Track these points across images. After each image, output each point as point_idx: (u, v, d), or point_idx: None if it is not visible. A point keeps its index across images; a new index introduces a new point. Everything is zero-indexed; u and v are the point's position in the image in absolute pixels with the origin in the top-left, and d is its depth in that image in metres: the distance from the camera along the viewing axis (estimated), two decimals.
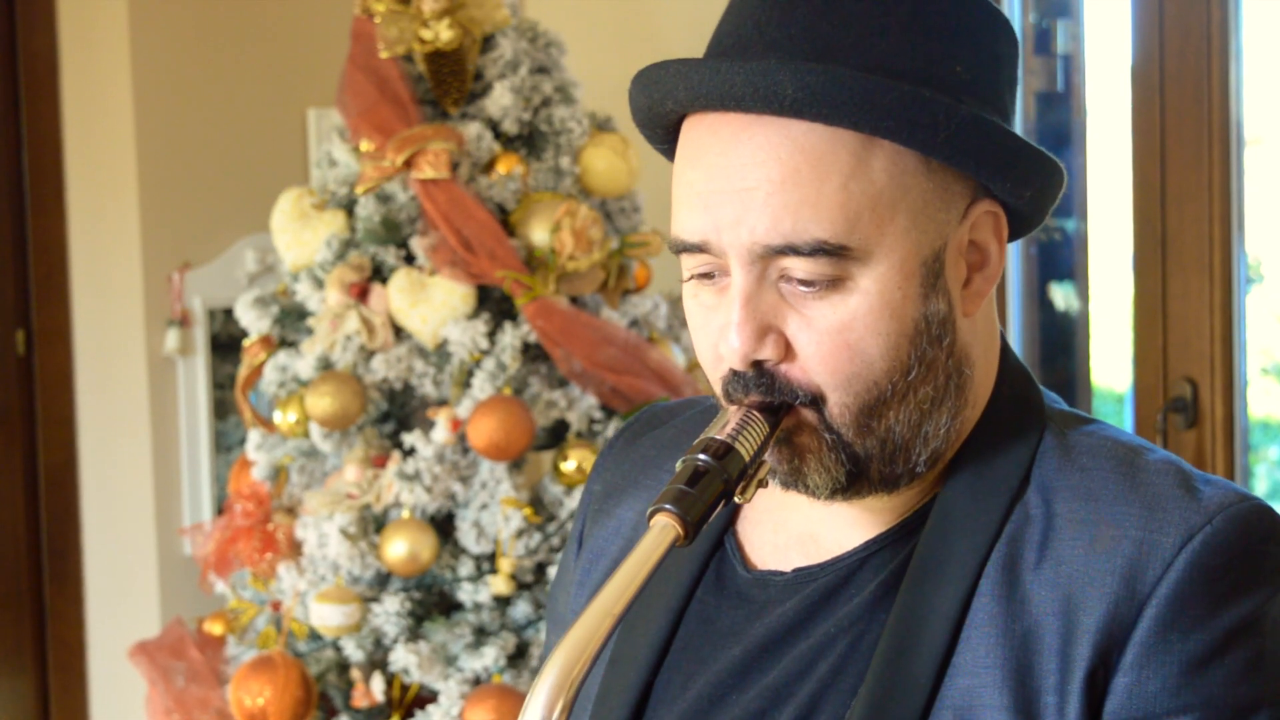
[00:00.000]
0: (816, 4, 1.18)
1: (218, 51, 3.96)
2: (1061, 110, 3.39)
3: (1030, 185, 1.20)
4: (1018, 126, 1.28)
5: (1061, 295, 3.47)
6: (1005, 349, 1.30)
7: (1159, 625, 1.13)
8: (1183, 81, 3.00)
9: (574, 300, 2.98)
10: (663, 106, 1.22)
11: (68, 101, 3.96)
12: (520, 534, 2.86)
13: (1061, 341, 3.48)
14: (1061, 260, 3.47)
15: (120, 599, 3.97)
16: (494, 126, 3.00)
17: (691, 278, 1.22)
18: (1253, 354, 3.09)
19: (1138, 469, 1.20)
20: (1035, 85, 3.32)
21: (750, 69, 1.15)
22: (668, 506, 1.14)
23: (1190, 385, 3.02)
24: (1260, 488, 3.44)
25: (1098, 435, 1.24)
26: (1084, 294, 3.43)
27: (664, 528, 1.14)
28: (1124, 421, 3.41)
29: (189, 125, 3.91)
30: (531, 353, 2.95)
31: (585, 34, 3.45)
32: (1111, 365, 3.45)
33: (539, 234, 2.92)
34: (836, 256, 1.15)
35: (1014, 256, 3.35)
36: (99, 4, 3.87)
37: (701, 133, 1.20)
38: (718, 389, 1.23)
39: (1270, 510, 1.19)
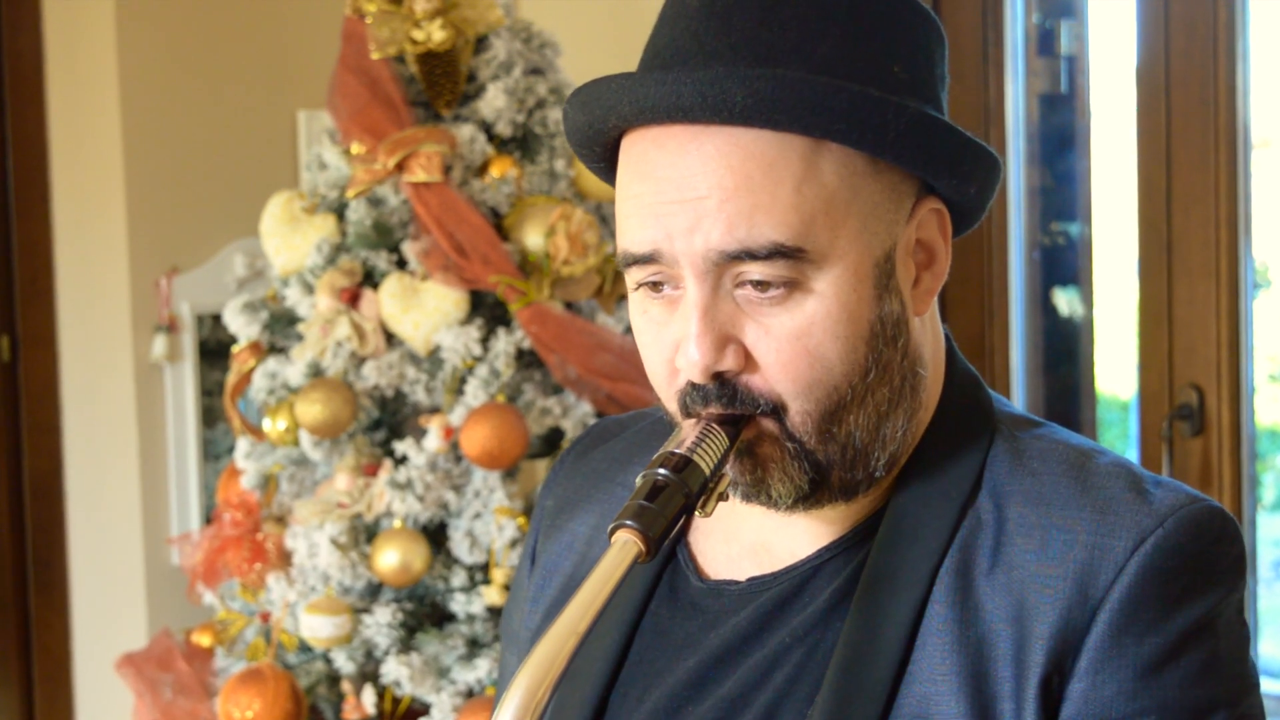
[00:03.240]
0: (753, 11, 1.18)
1: (206, 52, 3.94)
2: (1065, 112, 3.36)
3: (974, 180, 1.22)
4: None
5: (1065, 300, 3.44)
6: (951, 351, 1.31)
7: (1112, 630, 1.14)
8: (1188, 83, 2.97)
9: (569, 306, 2.97)
10: (605, 123, 1.21)
11: (53, 103, 3.94)
12: (514, 544, 2.85)
13: (1065, 348, 3.45)
14: (1065, 265, 3.45)
15: (107, 609, 3.95)
16: (487, 129, 2.99)
17: (639, 288, 1.21)
18: (1260, 360, 3.06)
19: (1089, 472, 1.21)
20: (1039, 87, 3.28)
21: (698, 78, 1.14)
22: (629, 523, 1.13)
23: (1196, 392, 2.99)
24: (1268, 496, 3.41)
25: (1048, 439, 1.26)
26: (1088, 299, 3.40)
27: (625, 544, 1.13)
28: (1129, 429, 3.38)
29: (177, 127, 3.90)
30: (525, 359, 2.93)
31: (580, 35, 3.43)
32: (1116, 372, 3.43)
33: (533, 238, 2.90)
34: (793, 259, 1.15)
35: (1017, 261, 3.32)
36: (85, 3, 3.85)
37: (646, 146, 1.19)
38: (673, 403, 1.23)
39: (1222, 511, 1.20)
